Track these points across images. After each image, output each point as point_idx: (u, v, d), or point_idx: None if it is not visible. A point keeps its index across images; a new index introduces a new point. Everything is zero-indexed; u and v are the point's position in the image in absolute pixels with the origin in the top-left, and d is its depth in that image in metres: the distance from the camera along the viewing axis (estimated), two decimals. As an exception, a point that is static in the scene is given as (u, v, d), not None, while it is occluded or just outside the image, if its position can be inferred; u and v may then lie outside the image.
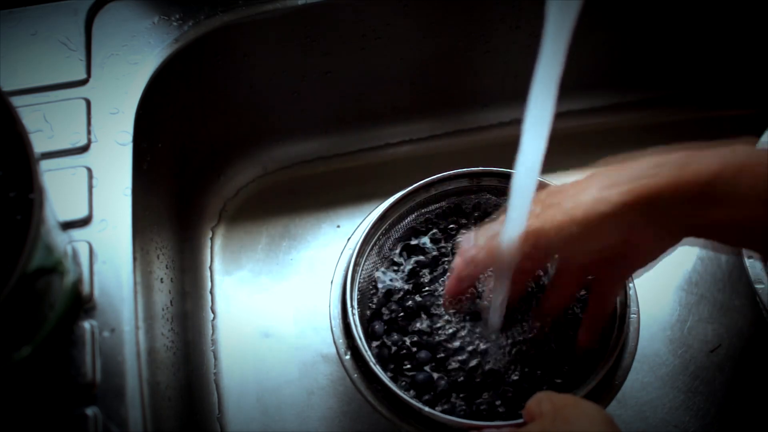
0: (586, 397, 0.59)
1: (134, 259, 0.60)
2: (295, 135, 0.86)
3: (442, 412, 0.59)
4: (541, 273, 0.66)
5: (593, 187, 0.52)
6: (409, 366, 0.63)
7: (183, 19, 0.73)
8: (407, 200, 0.68)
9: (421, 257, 0.69)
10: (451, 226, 0.70)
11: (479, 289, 0.64)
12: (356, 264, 0.65)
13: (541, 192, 0.54)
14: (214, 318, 0.79)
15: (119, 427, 0.53)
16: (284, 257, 0.82)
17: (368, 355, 0.61)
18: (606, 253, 0.55)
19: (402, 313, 0.66)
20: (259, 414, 0.74)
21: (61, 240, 0.55)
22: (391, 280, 0.67)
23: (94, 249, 0.60)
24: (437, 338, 0.64)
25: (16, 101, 0.58)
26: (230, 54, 0.77)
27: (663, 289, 0.78)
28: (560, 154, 0.82)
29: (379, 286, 0.67)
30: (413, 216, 0.70)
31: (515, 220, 0.53)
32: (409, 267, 0.68)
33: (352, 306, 0.63)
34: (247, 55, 0.78)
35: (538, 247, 0.53)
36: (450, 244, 0.69)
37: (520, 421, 0.55)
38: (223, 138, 0.84)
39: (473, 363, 0.62)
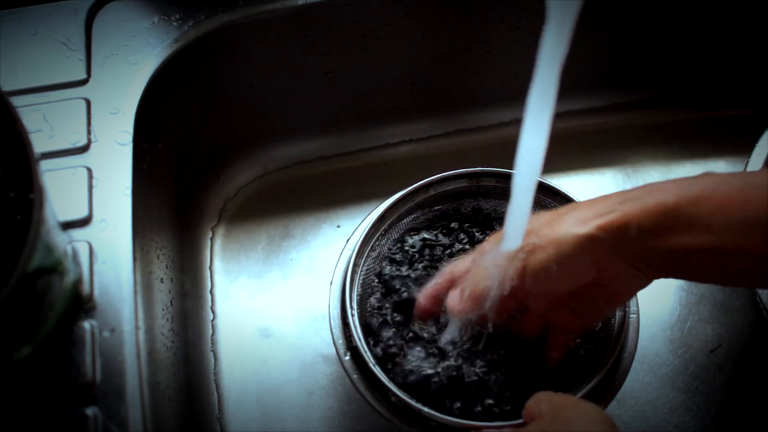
0: (585, 397, 0.59)
1: (134, 259, 0.60)
2: (295, 135, 0.86)
3: (442, 412, 0.59)
4: None
5: (564, 224, 0.53)
6: (409, 366, 0.63)
7: (183, 19, 0.73)
8: (407, 200, 0.68)
9: (421, 257, 0.68)
10: (452, 225, 0.70)
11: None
12: (356, 264, 0.65)
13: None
14: (214, 318, 0.79)
15: (119, 427, 0.54)
16: (284, 257, 0.82)
17: (368, 356, 0.61)
18: (581, 290, 0.55)
19: (402, 314, 0.65)
20: (259, 414, 0.74)
21: (61, 240, 0.55)
22: (391, 280, 0.67)
23: (94, 249, 0.60)
24: (437, 339, 0.64)
25: (16, 101, 0.58)
26: (230, 54, 0.77)
27: (663, 289, 0.78)
28: (560, 154, 0.82)
29: (379, 286, 0.67)
30: (413, 216, 0.70)
31: (512, 236, 0.54)
32: (409, 267, 0.68)
33: (351, 306, 0.63)
34: (247, 55, 0.78)
35: (522, 288, 0.55)
36: (450, 245, 0.69)
37: (519, 421, 0.55)
38: (223, 138, 0.83)
39: (473, 363, 0.62)
